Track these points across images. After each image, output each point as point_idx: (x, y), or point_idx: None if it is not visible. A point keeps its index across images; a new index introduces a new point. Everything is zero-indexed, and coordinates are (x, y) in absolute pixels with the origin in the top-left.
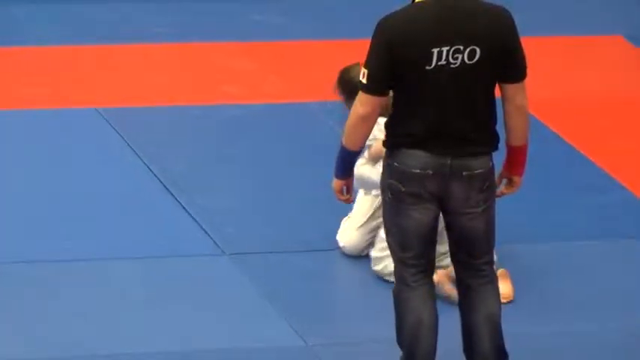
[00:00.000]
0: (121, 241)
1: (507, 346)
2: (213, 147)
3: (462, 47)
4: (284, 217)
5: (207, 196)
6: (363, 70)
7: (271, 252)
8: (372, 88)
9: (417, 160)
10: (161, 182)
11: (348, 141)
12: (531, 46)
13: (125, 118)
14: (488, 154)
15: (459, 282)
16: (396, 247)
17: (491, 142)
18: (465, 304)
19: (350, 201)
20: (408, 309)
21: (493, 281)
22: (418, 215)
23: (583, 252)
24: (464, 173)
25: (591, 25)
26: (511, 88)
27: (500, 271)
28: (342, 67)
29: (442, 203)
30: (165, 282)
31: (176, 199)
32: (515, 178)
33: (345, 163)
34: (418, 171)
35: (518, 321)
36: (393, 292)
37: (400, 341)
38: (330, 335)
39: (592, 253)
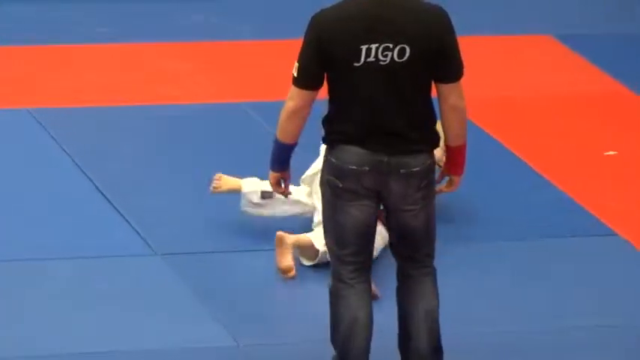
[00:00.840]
0: (53, 242)
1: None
2: (146, 147)
3: (391, 45)
4: (216, 217)
5: (139, 196)
6: (296, 64)
7: (203, 252)
8: (302, 83)
9: (353, 156)
10: (93, 183)
11: (281, 134)
12: (462, 45)
13: (59, 119)
14: (427, 152)
15: (400, 271)
16: (334, 244)
17: (430, 140)
18: (405, 294)
19: (287, 194)
20: (344, 306)
21: (433, 274)
22: (355, 212)
23: (517, 251)
24: (401, 171)
25: (522, 24)
26: (445, 88)
27: None
28: (277, 67)
29: (382, 199)
30: (96, 282)
31: (108, 199)
32: (454, 178)
33: (280, 156)
34: (355, 167)
35: (456, 320)
36: (330, 289)
37: (334, 339)
38: (261, 335)
39: (526, 252)
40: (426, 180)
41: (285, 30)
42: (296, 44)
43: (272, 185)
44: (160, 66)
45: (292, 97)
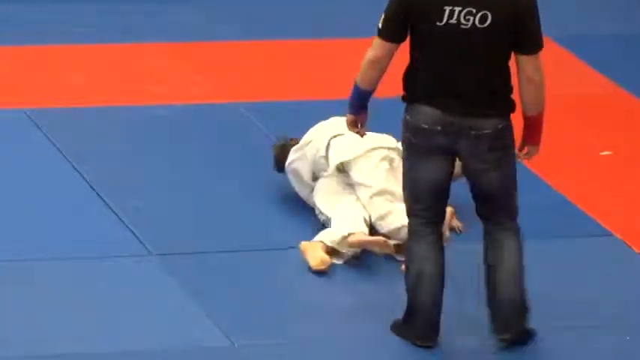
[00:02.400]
0: (48, 242)
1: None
2: (139, 147)
3: (474, 10)
4: (211, 217)
5: (134, 196)
6: (382, 16)
7: (198, 252)
8: (384, 34)
9: (426, 115)
10: (88, 183)
11: (360, 80)
12: None
13: (50, 119)
14: (499, 116)
15: (486, 235)
16: (409, 198)
17: (502, 106)
18: (489, 253)
19: (362, 134)
20: (412, 259)
21: (515, 233)
22: (428, 169)
23: None
24: (472, 132)
25: None
26: (522, 59)
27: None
28: (265, 67)
29: (459, 159)
30: (92, 283)
31: (103, 199)
32: (531, 147)
33: (358, 100)
34: (427, 126)
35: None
36: (407, 242)
37: (406, 290)
38: (257, 335)
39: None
40: (499, 142)
41: (274, 30)
42: (287, 44)
43: (348, 125)
44: (153, 66)
45: (374, 47)
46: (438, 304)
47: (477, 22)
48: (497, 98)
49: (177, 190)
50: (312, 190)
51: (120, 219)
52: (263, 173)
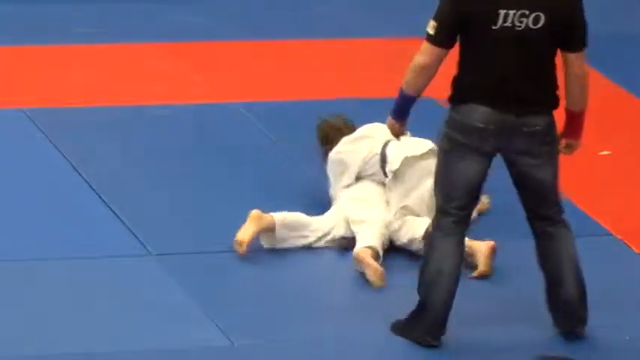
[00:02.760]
0: (48, 242)
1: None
2: (139, 147)
3: (527, 12)
4: (210, 217)
5: (134, 196)
6: (432, 23)
7: (198, 252)
8: (436, 40)
9: (480, 114)
10: (87, 183)
11: (407, 87)
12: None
13: (51, 119)
14: (548, 112)
15: (540, 235)
16: (442, 196)
17: (551, 102)
18: (545, 250)
19: (400, 138)
20: (433, 255)
21: (567, 226)
22: (469, 168)
23: (508, 250)
24: (524, 129)
25: None
26: (571, 56)
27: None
28: (265, 67)
29: (506, 158)
30: (91, 283)
31: (102, 199)
32: (572, 142)
33: (403, 106)
34: (481, 125)
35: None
36: (425, 239)
37: (419, 287)
38: (257, 335)
39: (517, 250)
40: (549, 137)
41: (274, 31)
42: (286, 44)
43: (390, 130)
44: (153, 66)
45: (424, 52)
46: (450, 304)
47: (530, 23)
48: (546, 95)
49: (177, 190)
50: (346, 187)
51: (119, 219)
52: (262, 173)
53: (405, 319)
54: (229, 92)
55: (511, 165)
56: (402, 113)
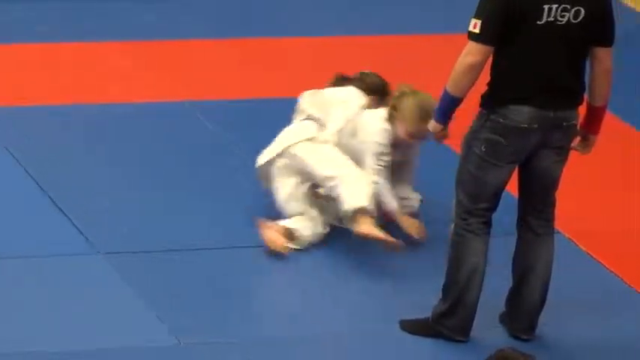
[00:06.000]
0: None
1: None
2: (88, 146)
3: (569, 6)
4: (160, 216)
5: (83, 195)
6: (475, 21)
7: (145, 251)
8: (484, 38)
9: (524, 115)
10: (35, 182)
11: (454, 88)
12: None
13: (6, 117)
14: (578, 107)
15: (524, 228)
16: (467, 198)
17: (582, 96)
18: (527, 250)
19: (442, 142)
20: (470, 253)
21: (553, 233)
22: (502, 172)
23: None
24: (564, 124)
25: None
26: (602, 51)
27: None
28: (224, 66)
29: (535, 153)
30: (39, 281)
31: (51, 198)
32: (591, 137)
33: (448, 109)
34: (526, 126)
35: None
36: (454, 239)
37: (450, 285)
38: (204, 334)
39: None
40: (576, 131)
41: (232, 29)
42: (243, 43)
43: (436, 134)
44: (107, 65)
45: (472, 52)
46: (478, 300)
47: (571, 17)
48: (580, 90)
49: (126, 189)
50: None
51: (67, 218)
52: (215, 172)
53: (433, 317)
54: (187, 91)
55: (536, 160)
56: (447, 116)
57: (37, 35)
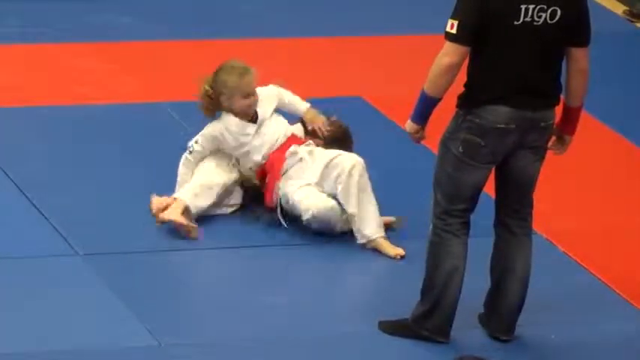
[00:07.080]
0: None
1: None
2: (66, 147)
3: (545, 6)
4: (139, 217)
5: (61, 196)
6: (451, 22)
7: (125, 252)
8: (461, 38)
9: (500, 115)
10: (14, 183)
11: (431, 89)
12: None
13: None
14: (555, 107)
15: (502, 229)
16: (445, 198)
17: (559, 96)
18: (506, 252)
19: (419, 143)
20: (448, 254)
21: (531, 234)
22: (479, 173)
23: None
24: (542, 124)
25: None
26: (577, 52)
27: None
28: (192, 67)
29: (512, 153)
30: (18, 283)
31: (29, 199)
32: (567, 137)
33: (425, 110)
34: (503, 126)
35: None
36: (432, 240)
37: (428, 288)
38: (184, 335)
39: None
40: (551, 132)
41: (201, 31)
42: (213, 44)
43: (412, 135)
44: (79, 66)
45: (448, 52)
46: (458, 301)
47: (547, 18)
48: (557, 90)
49: (104, 190)
50: None
51: (46, 219)
52: None
53: (412, 318)
54: (156, 92)
55: (513, 160)
56: (424, 117)
57: (12, 36)
